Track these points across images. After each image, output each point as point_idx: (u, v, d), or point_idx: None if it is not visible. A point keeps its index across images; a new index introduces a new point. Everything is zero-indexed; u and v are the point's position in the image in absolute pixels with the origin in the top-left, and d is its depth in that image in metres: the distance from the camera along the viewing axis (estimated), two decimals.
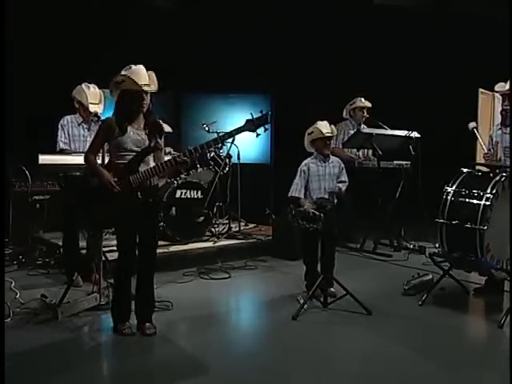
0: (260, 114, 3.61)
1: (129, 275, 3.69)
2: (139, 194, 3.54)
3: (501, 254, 4.18)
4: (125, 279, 3.69)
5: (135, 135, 3.56)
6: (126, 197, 3.52)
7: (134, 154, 3.55)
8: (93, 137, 3.85)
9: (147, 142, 3.58)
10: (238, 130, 3.65)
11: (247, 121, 3.62)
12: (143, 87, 3.47)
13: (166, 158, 3.70)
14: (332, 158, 4.60)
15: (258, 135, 3.64)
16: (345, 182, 4.55)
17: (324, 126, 4.47)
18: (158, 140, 3.61)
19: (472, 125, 5.05)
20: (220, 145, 3.67)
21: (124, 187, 3.51)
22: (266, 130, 3.62)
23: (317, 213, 4.16)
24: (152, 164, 3.60)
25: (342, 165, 4.61)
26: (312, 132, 4.50)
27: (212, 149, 3.70)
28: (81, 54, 6.48)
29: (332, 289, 4.40)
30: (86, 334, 3.72)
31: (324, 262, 4.42)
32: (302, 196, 4.45)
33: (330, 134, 4.47)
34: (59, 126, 4.76)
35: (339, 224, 4.48)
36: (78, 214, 4.19)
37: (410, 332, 3.84)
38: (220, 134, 3.68)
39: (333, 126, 4.55)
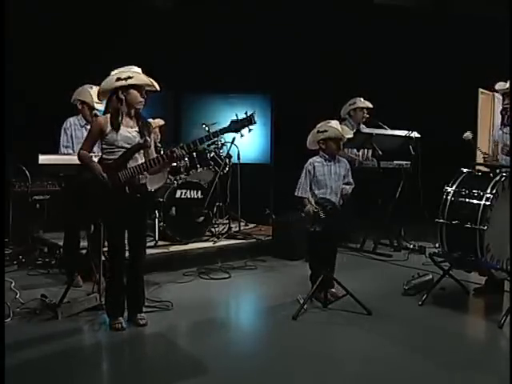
0: (244, 116, 3.69)
1: (121, 271, 3.76)
2: (127, 189, 3.62)
3: (501, 253, 4.18)
4: (117, 275, 3.75)
5: (126, 132, 3.66)
6: (115, 192, 3.60)
7: (124, 150, 3.65)
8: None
9: (137, 139, 3.68)
10: (223, 130, 3.73)
11: (232, 121, 3.70)
12: (156, 85, 3.62)
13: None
14: (339, 158, 4.46)
15: (242, 136, 3.74)
16: (351, 184, 4.43)
17: (339, 126, 4.32)
18: (147, 138, 3.71)
19: (467, 135, 4.93)
20: (205, 143, 3.78)
21: (113, 182, 3.59)
22: (250, 130, 3.69)
23: (319, 211, 4.11)
24: (140, 161, 3.69)
25: (348, 166, 4.47)
26: (325, 131, 4.28)
27: (199, 147, 3.77)
28: (81, 53, 6.48)
29: (333, 289, 4.38)
30: (85, 333, 3.73)
31: (325, 263, 4.37)
32: (308, 195, 4.31)
33: (349, 136, 4.37)
34: (62, 130, 4.75)
35: (341, 224, 4.44)
36: (75, 211, 4.25)
37: (409, 332, 3.83)
38: (205, 134, 3.75)
39: (345, 127, 4.48)
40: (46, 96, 6.08)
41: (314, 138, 4.38)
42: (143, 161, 3.68)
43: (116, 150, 3.64)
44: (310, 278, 4.47)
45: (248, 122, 3.68)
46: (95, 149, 3.84)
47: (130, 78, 3.58)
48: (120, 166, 3.63)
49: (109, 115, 3.68)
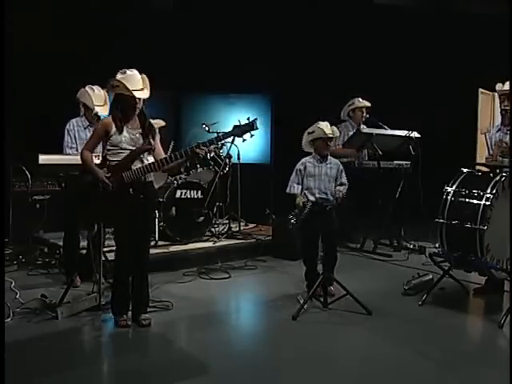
0: (247, 121, 3.74)
1: (127, 270, 3.77)
2: (131, 190, 3.66)
3: (501, 254, 4.19)
4: (123, 274, 3.78)
5: (130, 135, 3.70)
6: (119, 193, 3.63)
7: (128, 152, 3.68)
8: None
9: (141, 141, 3.72)
10: (226, 135, 3.79)
11: (235, 126, 3.75)
12: (135, 94, 3.59)
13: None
14: (331, 159, 4.55)
15: (244, 140, 3.78)
16: (345, 184, 4.49)
17: (325, 127, 4.45)
18: (151, 140, 3.75)
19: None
20: (209, 147, 3.78)
21: (117, 183, 3.62)
22: (252, 136, 3.74)
23: (306, 203, 4.24)
24: (146, 162, 3.73)
25: (341, 167, 4.55)
26: (313, 131, 4.46)
27: (201, 151, 3.78)
28: (81, 54, 6.47)
29: (331, 287, 4.40)
30: (85, 333, 3.73)
31: (326, 261, 4.37)
32: (298, 191, 4.44)
33: (331, 135, 4.44)
34: (65, 131, 4.75)
35: (339, 224, 4.47)
36: (76, 212, 4.27)
37: (409, 332, 3.84)
38: (209, 138, 3.79)
39: (334, 127, 4.51)
40: (46, 96, 6.09)
41: (305, 140, 4.53)
42: (146, 163, 3.70)
43: (120, 151, 3.67)
44: (304, 275, 4.57)
45: (250, 127, 3.73)
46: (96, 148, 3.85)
47: (117, 86, 3.60)
48: (124, 167, 3.66)
49: (111, 117, 3.71)
